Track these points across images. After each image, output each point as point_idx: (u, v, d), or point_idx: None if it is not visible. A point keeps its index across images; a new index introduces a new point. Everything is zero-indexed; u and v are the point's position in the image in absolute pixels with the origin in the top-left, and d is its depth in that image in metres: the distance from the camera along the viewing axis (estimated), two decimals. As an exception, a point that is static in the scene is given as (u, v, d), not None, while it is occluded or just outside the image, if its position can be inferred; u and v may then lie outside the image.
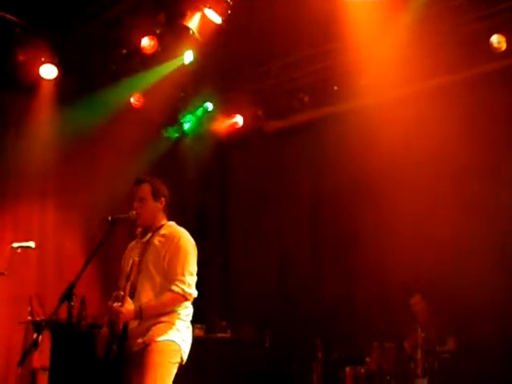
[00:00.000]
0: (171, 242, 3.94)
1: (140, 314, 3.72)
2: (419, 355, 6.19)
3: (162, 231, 4.04)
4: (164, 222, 4.13)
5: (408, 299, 6.99)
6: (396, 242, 7.76)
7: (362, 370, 6.67)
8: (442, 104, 7.64)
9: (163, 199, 4.11)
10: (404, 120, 7.71)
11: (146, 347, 3.76)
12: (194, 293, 3.91)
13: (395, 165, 7.75)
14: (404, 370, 6.46)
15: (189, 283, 3.85)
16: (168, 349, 3.78)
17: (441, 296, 6.90)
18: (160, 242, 3.97)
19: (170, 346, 3.79)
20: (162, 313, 3.83)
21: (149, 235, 4.06)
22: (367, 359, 6.75)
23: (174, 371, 3.80)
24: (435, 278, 7.20)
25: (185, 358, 3.89)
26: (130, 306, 3.73)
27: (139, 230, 4.14)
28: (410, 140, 7.65)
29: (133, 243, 4.18)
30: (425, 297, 6.90)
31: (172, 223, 4.14)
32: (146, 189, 4.07)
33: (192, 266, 3.92)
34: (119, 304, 3.73)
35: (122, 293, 3.80)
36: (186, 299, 3.87)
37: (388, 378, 6.40)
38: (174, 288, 3.80)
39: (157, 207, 4.09)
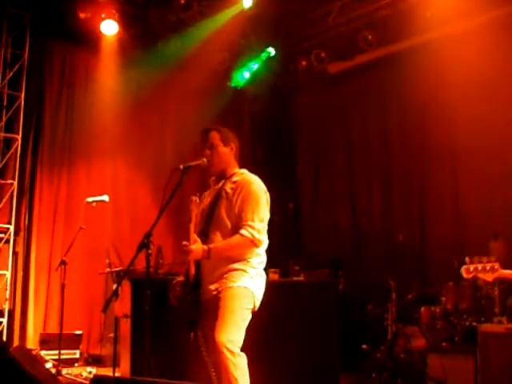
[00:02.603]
0: (242, 187, 3.89)
1: (208, 252, 3.73)
2: (496, 293, 6.07)
3: (234, 178, 3.99)
4: (236, 169, 4.06)
5: (488, 241, 6.76)
6: (471, 179, 7.58)
7: (438, 310, 6.60)
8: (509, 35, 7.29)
9: (233, 145, 4.05)
10: (471, 52, 7.40)
11: (218, 294, 3.79)
12: (264, 239, 3.87)
13: (465, 98, 7.49)
14: (481, 309, 6.36)
15: (258, 229, 3.80)
16: (241, 295, 3.78)
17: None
18: (232, 188, 3.92)
19: (242, 292, 3.79)
20: (231, 255, 3.83)
21: (221, 183, 4.02)
22: (443, 299, 6.67)
23: (248, 317, 3.81)
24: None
25: (257, 304, 3.88)
26: (198, 244, 3.75)
27: (212, 178, 4.12)
28: (479, 72, 7.34)
29: (206, 192, 4.16)
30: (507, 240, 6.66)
31: (244, 170, 4.07)
32: (214, 136, 4.01)
33: (263, 213, 3.87)
34: (187, 243, 3.75)
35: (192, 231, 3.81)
36: (255, 245, 3.82)
37: (465, 316, 6.31)
38: (243, 232, 3.77)
39: (227, 153, 4.02)
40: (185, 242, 3.76)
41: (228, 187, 3.96)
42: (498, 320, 5.83)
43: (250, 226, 3.79)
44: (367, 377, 6.89)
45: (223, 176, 4.04)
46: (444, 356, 6.00)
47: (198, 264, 3.89)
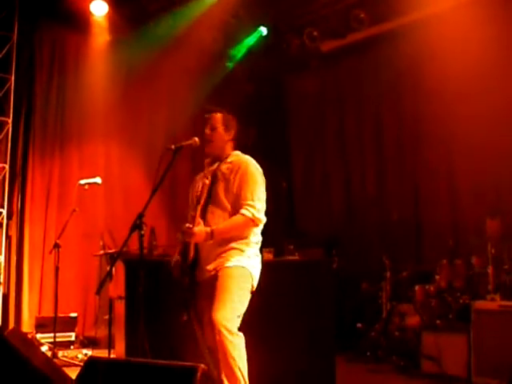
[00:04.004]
0: (238, 168, 3.96)
1: (211, 234, 3.77)
2: (490, 271, 6.08)
3: (229, 159, 4.05)
4: (230, 152, 4.12)
5: (484, 220, 6.72)
6: (465, 159, 7.56)
7: (432, 288, 6.63)
8: (501, 10, 7.23)
9: (233, 131, 4.11)
10: (466, 29, 7.30)
11: (216, 273, 3.82)
12: (263, 218, 3.92)
13: (459, 76, 7.43)
14: (474, 287, 6.38)
15: (258, 208, 3.87)
16: (238, 274, 3.82)
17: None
18: (228, 168, 3.99)
19: (240, 272, 3.83)
20: (233, 235, 3.86)
21: (216, 164, 4.08)
22: (436, 277, 6.69)
23: (247, 296, 3.85)
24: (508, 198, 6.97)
25: (255, 284, 3.93)
26: (201, 227, 3.79)
27: (207, 161, 4.17)
28: (474, 49, 7.27)
29: (200, 174, 4.20)
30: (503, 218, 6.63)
31: (238, 152, 4.14)
32: (218, 118, 4.09)
33: (261, 192, 3.94)
34: (190, 226, 3.78)
35: (193, 213, 3.86)
36: (255, 224, 3.89)
37: (458, 294, 6.34)
38: (245, 212, 3.83)
39: (226, 137, 4.09)
40: (188, 225, 3.77)
41: (224, 168, 4.02)
42: (491, 297, 5.85)
43: (251, 206, 3.85)
44: (362, 355, 6.94)
45: (218, 158, 4.10)
46: (438, 333, 6.04)
47: (196, 245, 3.91)
